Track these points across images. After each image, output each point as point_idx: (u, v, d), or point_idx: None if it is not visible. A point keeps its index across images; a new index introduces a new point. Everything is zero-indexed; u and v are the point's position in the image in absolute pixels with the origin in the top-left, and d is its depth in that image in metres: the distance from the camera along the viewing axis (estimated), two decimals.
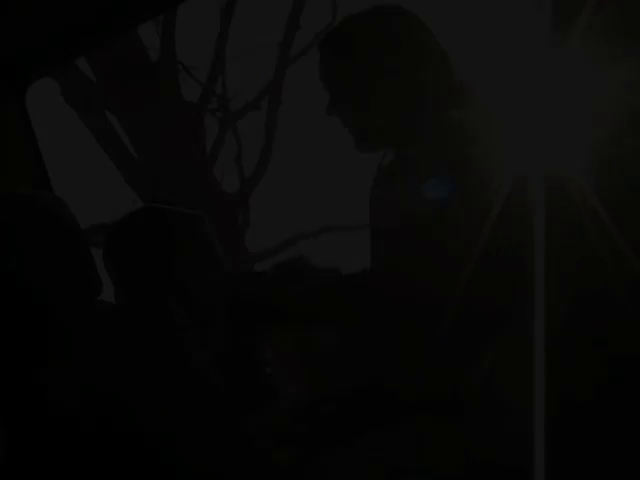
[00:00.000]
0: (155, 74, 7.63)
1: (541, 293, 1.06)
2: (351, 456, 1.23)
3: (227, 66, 8.41)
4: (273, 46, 8.27)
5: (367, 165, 1.63)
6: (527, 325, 1.06)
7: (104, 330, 1.57)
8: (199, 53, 9.99)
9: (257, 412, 1.64)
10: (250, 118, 8.47)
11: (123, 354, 1.51)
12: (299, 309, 1.48)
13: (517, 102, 1.39)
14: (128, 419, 1.46)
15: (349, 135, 1.49)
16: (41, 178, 2.19)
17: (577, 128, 0.90)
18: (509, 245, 1.23)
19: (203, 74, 8.31)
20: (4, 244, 1.45)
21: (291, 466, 1.35)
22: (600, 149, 0.83)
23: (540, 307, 1.05)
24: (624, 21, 0.84)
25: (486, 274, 1.24)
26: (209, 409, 1.51)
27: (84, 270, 1.60)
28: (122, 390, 1.48)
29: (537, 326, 1.04)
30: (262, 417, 1.64)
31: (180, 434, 1.44)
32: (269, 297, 1.51)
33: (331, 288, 1.47)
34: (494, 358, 1.13)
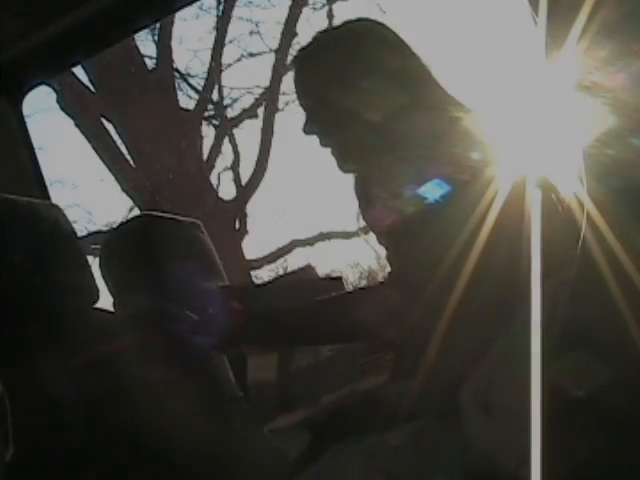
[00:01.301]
0: (151, 81, 7.64)
1: (538, 296, 1.06)
2: (347, 463, 1.23)
3: (224, 73, 8.42)
4: (270, 53, 8.29)
5: None
6: (526, 327, 1.06)
7: (102, 335, 1.57)
8: (196, 60, 9.99)
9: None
10: (247, 125, 8.48)
11: (122, 358, 1.52)
12: (291, 329, 1.49)
13: (499, 111, 1.40)
14: (127, 420, 1.46)
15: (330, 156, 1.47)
16: (38, 185, 2.19)
17: (565, 134, 0.90)
18: (502, 248, 1.23)
19: (200, 81, 8.32)
20: (1, 250, 1.45)
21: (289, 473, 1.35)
22: (593, 153, 0.83)
23: (537, 310, 1.05)
24: (617, 29, 0.84)
25: (481, 277, 1.24)
26: (207, 409, 1.51)
27: (80, 277, 1.60)
28: (120, 394, 1.48)
29: (535, 329, 1.04)
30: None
31: (178, 433, 1.45)
32: (267, 314, 1.52)
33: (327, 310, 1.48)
34: (493, 360, 1.13)
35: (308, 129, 1.45)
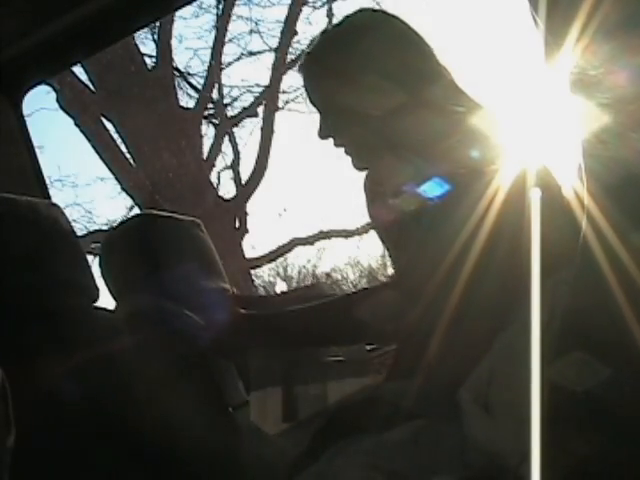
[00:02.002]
0: (151, 80, 7.64)
1: (537, 294, 1.06)
2: (348, 462, 1.23)
3: (223, 72, 8.42)
4: (269, 52, 8.29)
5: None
6: (526, 326, 1.06)
7: (102, 334, 1.57)
8: (195, 59, 9.99)
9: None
10: (247, 124, 8.48)
11: (123, 358, 1.51)
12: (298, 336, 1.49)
13: (506, 106, 1.40)
14: (128, 421, 1.46)
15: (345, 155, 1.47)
16: (38, 185, 2.19)
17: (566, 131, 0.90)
18: (503, 248, 1.24)
19: (200, 80, 8.32)
20: (0, 249, 1.44)
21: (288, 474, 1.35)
22: (593, 151, 0.83)
23: (537, 308, 1.05)
24: (618, 27, 0.84)
25: (481, 276, 1.24)
26: (211, 412, 1.51)
27: (80, 276, 1.60)
28: (121, 394, 1.48)
29: (535, 327, 1.04)
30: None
31: (180, 433, 1.44)
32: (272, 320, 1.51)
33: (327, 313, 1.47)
34: (494, 359, 1.13)
35: (322, 133, 1.45)
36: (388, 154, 1.42)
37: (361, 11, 1.49)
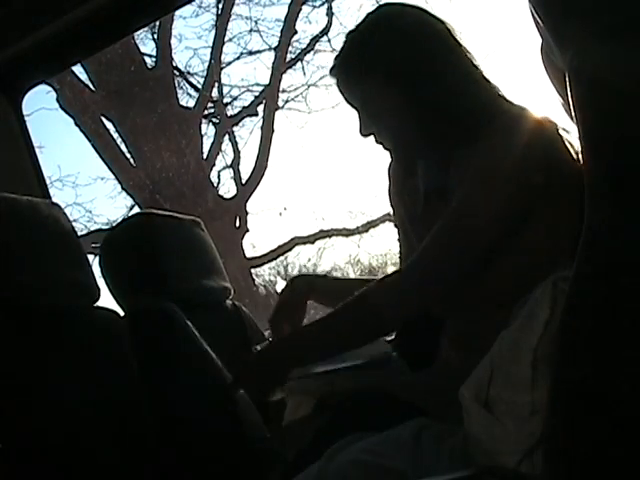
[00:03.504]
0: (151, 80, 7.64)
1: (538, 291, 1.07)
2: (350, 460, 1.23)
3: (223, 71, 8.42)
4: (269, 51, 8.29)
5: (364, 170, 1.62)
6: (527, 323, 1.07)
7: (103, 334, 1.58)
8: (195, 58, 9.99)
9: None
10: (247, 123, 8.48)
11: (124, 357, 1.52)
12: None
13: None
14: (129, 420, 1.47)
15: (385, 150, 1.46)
16: (38, 184, 2.19)
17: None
18: (504, 245, 1.24)
19: (199, 79, 8.33)
20: (2, 249, 1.45)
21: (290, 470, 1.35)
22: (594, 146, 0.83)
23: (538, 305, 1.06)
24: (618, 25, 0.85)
25: (487, 270, 1.25)
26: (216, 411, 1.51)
27: (81, 276, 1.60)
28: (123, 395, 1.48)
29: (536, 324, 1.04)
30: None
31: (186, 434, 1.44)
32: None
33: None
34: (495, 356, 1.13)
35: (363, 130, 1.44)
36: (412, 146, 1.42)
37: (385, 5, 1.47)
